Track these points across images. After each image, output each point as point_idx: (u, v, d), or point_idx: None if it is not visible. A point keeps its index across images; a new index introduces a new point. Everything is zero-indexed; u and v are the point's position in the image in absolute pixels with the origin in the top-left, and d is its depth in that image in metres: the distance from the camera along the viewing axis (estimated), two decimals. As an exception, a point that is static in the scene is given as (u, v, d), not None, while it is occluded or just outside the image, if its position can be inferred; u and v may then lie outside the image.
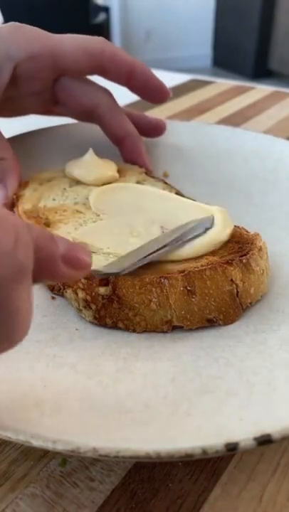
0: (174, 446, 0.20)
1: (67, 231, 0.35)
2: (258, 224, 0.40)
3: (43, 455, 0.26)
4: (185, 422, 0.22)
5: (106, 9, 3.10)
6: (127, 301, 0.29)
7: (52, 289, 0.33)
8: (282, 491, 0.24)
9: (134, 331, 0.30)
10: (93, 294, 0.29)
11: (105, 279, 0.29)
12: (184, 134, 0.53)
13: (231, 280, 0.30)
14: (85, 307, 0.30)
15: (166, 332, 0.30)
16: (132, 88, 0.45)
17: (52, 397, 0.24)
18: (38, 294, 0.33)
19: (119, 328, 0.30)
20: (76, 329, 0.30)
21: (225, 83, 0.91)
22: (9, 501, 0.24)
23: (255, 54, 3.82)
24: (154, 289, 0.29)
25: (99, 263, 0.31)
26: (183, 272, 0.29)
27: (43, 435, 0.20)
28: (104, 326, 0.30)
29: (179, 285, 0.29)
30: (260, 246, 0.32)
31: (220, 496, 0.24)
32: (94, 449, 0.20)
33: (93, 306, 0.30)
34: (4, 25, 0.40)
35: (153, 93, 0.45)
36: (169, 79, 0.91)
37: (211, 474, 0.25)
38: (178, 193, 0.40)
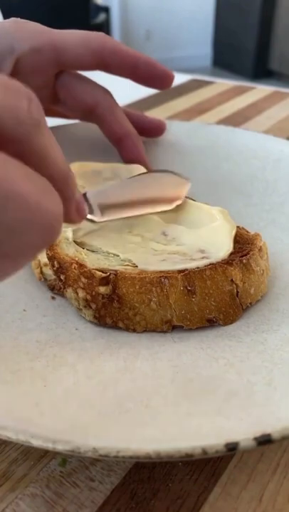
0: (174, 446, 0.20)
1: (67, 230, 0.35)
2: (258, 224, 0.40)
3: (43, 455, 0.26)
4: (185, 422, 0.22)
5: (106, 9, 3.10)
6: (127, 300, 0.29)
7: (52, 288, 0.33)
8: (282, 491, 0.24)
9: (134, 330, 0.30)
10: (93, 293, 0.29)
11: (105, 278, 0.29)
12: (184, 134, 0.53)
13: (231, 280, 0.30)
14: (85, 306, 0.30)
15: (166, 332, 0.30)
16: (137, 79, 0.45)
17: (52, 397, 0.24)
18: (38, 294, 0.33)
19: (119, 328, 0.30)
20: (76, 329, 0.30)
21: (225, 83, 0.91)
22: (9, 501, 0.24)
23: (255, 54, 3.82)
24: (154, 289, 0.29)
25: (98, 262, 0.31)
26: (183, 271, 0.29)
27: (43, 435, 0.20)
28: (105, 325, 0.30)
29: (179, 285, 0.29)
30: (261, 246, 0.32)
31: (220, 496, 0.24)
32: (94, 449, 0.20)
33: (93, 306, 0.30)
34: (7, 20, 0.40)
35: (158, 80, 0.45)
36: (169, 79, 0.91)
37: (211, 474, 0.25)
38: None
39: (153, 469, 0.25)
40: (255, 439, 0.20)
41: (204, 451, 0.20)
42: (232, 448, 0.20)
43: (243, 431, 0.21)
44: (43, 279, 0.34)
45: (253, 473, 0.25)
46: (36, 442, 0.20)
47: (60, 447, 0.20)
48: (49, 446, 0.20)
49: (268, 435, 0.20)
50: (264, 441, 0.20)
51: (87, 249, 0.32)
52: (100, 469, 0.25)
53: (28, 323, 0.30)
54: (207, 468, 0.25)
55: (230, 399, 0.24)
